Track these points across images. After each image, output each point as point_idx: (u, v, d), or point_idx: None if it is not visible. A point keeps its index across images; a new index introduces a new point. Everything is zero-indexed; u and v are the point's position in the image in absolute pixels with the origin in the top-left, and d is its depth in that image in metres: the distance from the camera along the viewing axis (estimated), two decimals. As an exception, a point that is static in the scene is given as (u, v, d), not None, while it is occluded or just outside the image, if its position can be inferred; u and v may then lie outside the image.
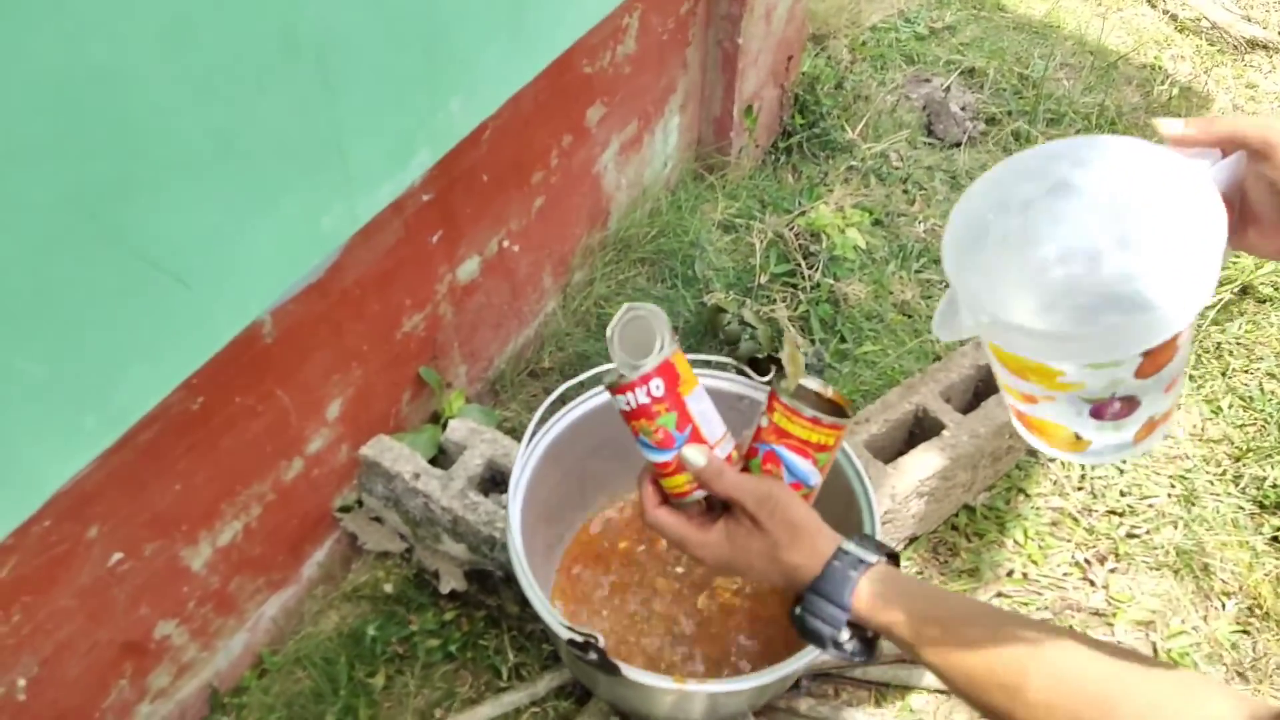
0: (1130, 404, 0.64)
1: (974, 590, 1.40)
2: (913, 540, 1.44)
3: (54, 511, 0.86)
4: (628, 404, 0.75)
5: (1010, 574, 1.42)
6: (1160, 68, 2.42)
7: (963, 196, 0.61)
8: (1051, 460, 1.53)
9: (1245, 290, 1.77)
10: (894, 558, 0.72)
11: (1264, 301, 1.77)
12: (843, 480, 1.05)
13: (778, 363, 1.47)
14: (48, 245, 0.69)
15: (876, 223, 1.85)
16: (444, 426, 1.32)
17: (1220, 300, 1.74)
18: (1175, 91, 2.31)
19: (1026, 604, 1.39)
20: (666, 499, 0.78)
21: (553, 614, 0.88)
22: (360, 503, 1.30)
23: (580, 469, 1.14)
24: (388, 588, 1.29)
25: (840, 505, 1.04)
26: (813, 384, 0.77)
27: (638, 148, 1.62)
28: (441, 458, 1.31)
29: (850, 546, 0.69)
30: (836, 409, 0.77)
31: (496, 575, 1.22)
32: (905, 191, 1.96)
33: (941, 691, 1.28)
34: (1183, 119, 0.56)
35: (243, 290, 0.93)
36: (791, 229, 1.61)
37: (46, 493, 0.78)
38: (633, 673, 0.87)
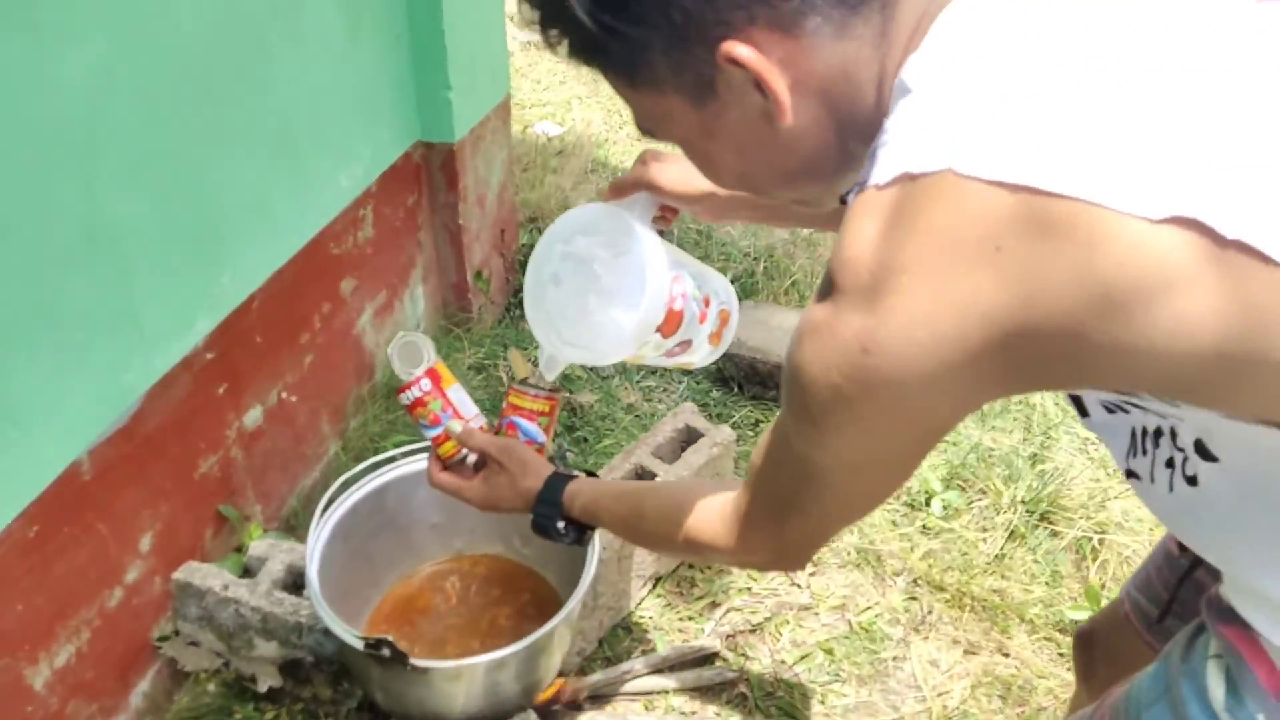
0: (685, 345, 1.05)
1: (715, 608, 1.74)
2: (658, 580, 1.77)
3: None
4: (408, 398, 1.10)
5: (739, 591, 1.78)
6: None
7: (530, 271, 1.02)
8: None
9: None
10: (592, 474, 1.07)
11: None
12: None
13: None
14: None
15: (603, 425, 2.28)
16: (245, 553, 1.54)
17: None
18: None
19: (754, 612, 1.75)
20: (444, 466, 1.11)
21: (346, 629, 1.14)
22: (177, 631, 1.48)
23: (367, 549, 1.41)
24: (209, 697, 1.46)
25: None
26: (534, 379, 1.13)
27: (390, 312, 1.98)
28: (246, 576, 1.52)
29: (560, 470, 1.04)
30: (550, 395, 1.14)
31: (308, 661, 1.43)
32: (647, 393, 2.41)
33: (695, 690, 1.59)
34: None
35: (64, 434, 1.19)
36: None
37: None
38: (420, 662, 1.13)
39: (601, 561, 1.53)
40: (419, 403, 1.12)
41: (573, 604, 1.22)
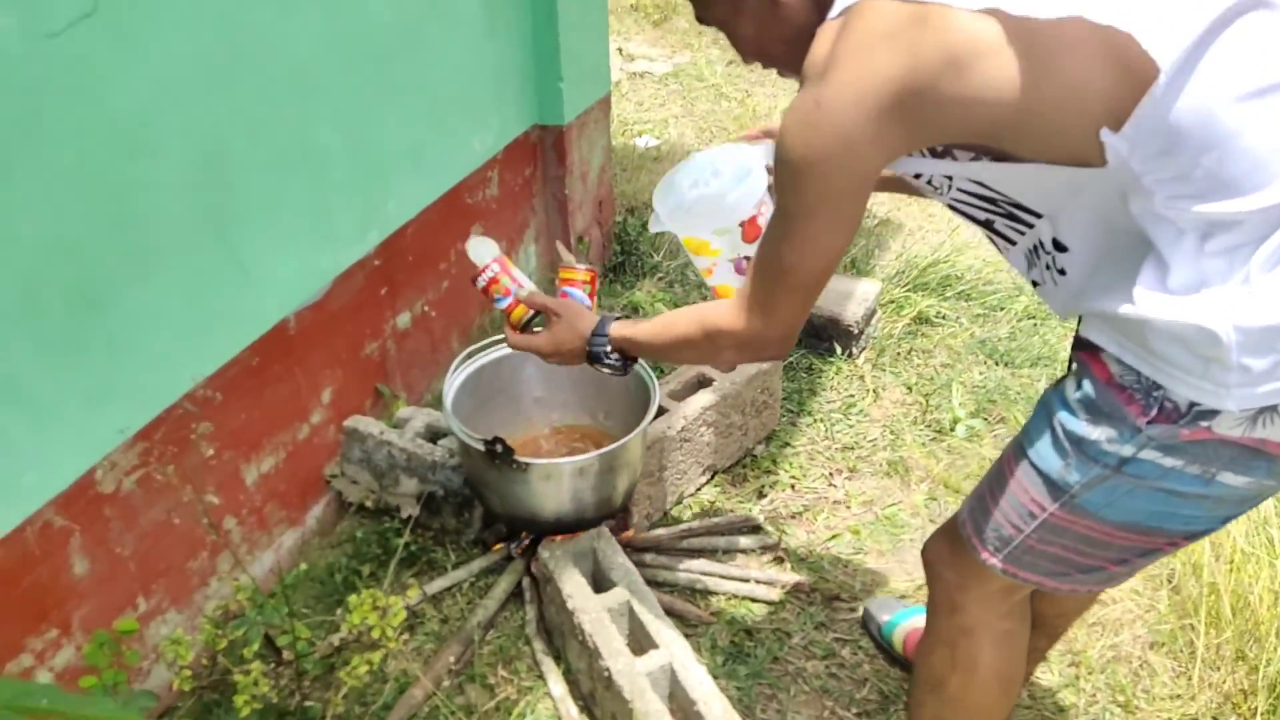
0: (749, 261, 1.44)
1: (762, 497, 2.10)
2: (715, 473, 2.15)
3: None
4: (483, 280, 1.50)
5: (784, 486, 2.14)
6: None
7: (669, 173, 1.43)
8: (807, 420, 2.30)
9: (920, 318, 2.66)
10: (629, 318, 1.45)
11: (929, 322, 2.66)
12: (647, 395, 1.78)
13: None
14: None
15: (674, 304, 2.69)
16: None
17: (904, 324, 2.62)
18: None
19: (795, 503, 2.10)
20: (517, 329, 1.50)
21: (465, 430, 1.57)
22: (343, 471, 1.94)
23: (485, 407, 1.84)
24: (363, 525, 1.92)
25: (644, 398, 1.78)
26: (580, 263, 1.54)
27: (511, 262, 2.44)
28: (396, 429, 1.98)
29: (607, 314, 1.41)
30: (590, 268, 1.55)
31: (439, 495, 1.87)
32: (700, 289, 2.82)
33: (741, 550, 1.95)
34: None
35: (280, 293, 1.67)
36: (622, 311, 2.43)
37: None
38: (523, 458, 1.55)
39: (667, 439, 1.92)
40: (494, 281, 1.50)
41: (641, 427, 1.62)
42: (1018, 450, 1.08)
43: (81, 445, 1.36)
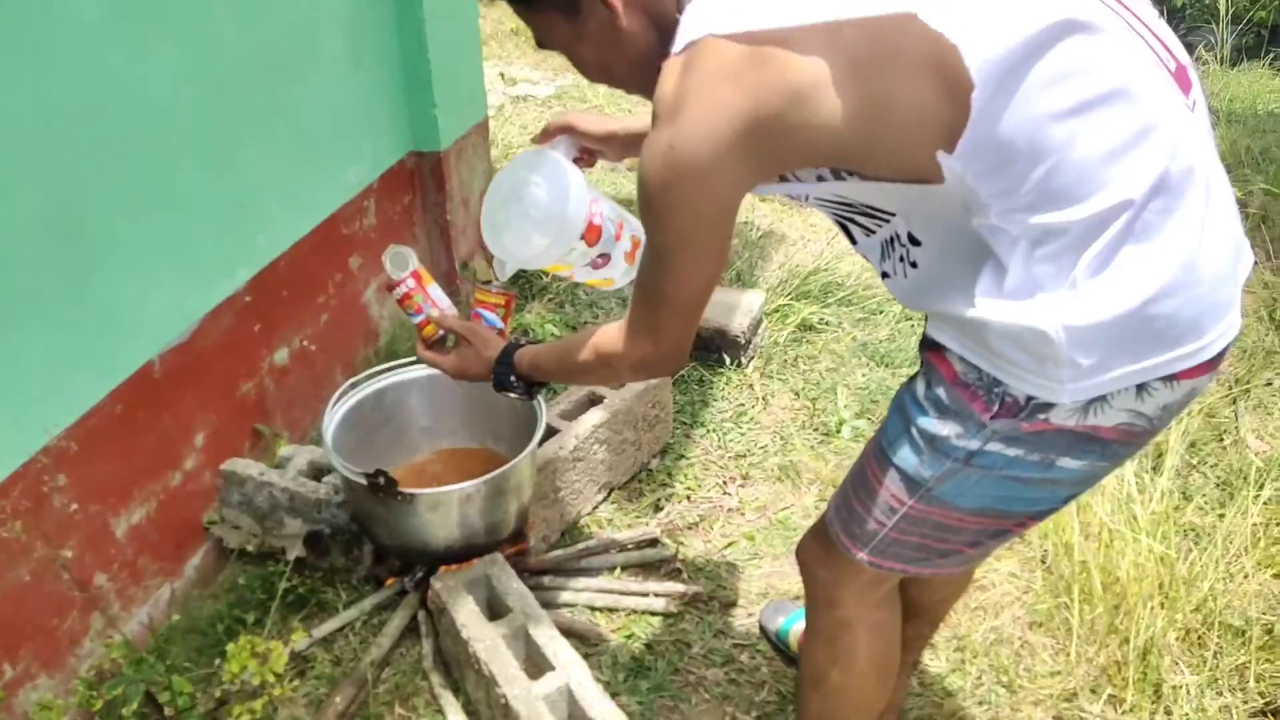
0: (605, 259, 1.45)
1: (658, 510, 2.12)
2: (611, 489, 2.16)
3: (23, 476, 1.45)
4: (399, 293, 1.48)
5: (679, 499, 2.16)
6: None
7: (485, 202, 1.42)
8: (700, 431, 2.33)
9: (805, 325, 2.74)
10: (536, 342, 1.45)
11: (813, 329, 2.74)
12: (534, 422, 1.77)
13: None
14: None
15: (570, 326, 2.70)
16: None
17: (789, 332, 2.69)
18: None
19: (691, 514, 2.12)
20: (428, 345, 1.48)
21: (347, 465, 1.54)
22: (222, 517, 1.88)
23: (369, 439, 1.81)
24: (246, 571, 1.85)
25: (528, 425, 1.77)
26: (494, 282, 1.52)
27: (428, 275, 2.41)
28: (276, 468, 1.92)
29: (513, 342, 1.40)
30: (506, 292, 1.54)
31: (326, 534, 1.82)
32: (591, 308, 2.84)
33: (639, 566, 1.96)
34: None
35: (143, 336, 1.62)
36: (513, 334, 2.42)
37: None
38: (407, 490, 1.53)
39: (560, 459, 1.93)
40: (407, 296, 1.51)
41: (528, 450, 1.62)
42: (876, 450, 1.12)
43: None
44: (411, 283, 1.51)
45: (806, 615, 1.30)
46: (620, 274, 1.51)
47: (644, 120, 1.26)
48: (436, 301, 1.52)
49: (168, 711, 1.45)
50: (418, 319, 1.52)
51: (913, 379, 1.10)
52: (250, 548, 1.85)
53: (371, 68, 2.18)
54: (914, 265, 1.05)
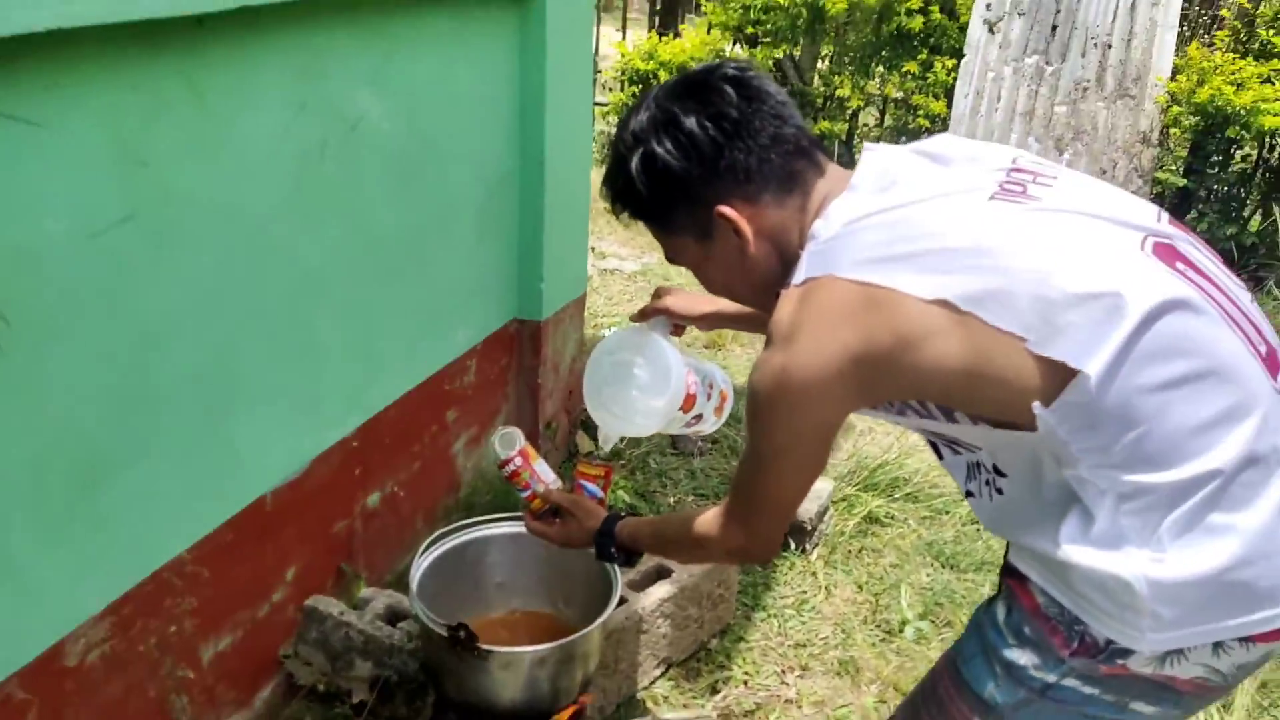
0: (698, 418, 1.55)
1: (715, 693, 2.12)
2: (670, 665, 2.17)
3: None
4: (508, 471, 1.58)
5: (737, 682, 2.17)
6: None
7: (587, 379, 1.56)
8: (761, 615, 2.35)
9: (870, 517, 2.77)
10: (635, 513, 1.53)
11: (879, 522, 2.77)
12: (609, 585, 1.84)
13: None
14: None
15: (639, 494, 2.78)
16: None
17: (855, 523, 2.73)
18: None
19: (748, 700, 2.12)
20: (535, 517, 1.57)
21: (430, 615, 1.61)
22: (297, 651, 1.94)
23: (450, 589, 1.88)
24: (311, 710, 1.90)
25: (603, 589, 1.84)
26: (596, 454, 1.63)
27: (478, 444, 2.54)
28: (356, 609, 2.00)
29: (614, 513, 1.48)
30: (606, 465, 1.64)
31: (393, 680, 1.87)
32: (659, 478, 2.92)
33: None
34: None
35: (263, 472, 1.74)
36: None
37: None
38: (486, 646, 1.59)
39: (625, 630, 1.97)
40: (515, 474, 1.58)
41: (602, 618, 1.68)
42: (950, 666, 1.16)
43: (54, 619, 1.38)
44: (519, 461, 1.59)
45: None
46: (710, 425, 1.61)
47: (734, 305, 1.43)
48: (542, 477, 1.60)
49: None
50: (525, 494, 1.59)
51: (992, 601, 1.15)
52: (320, 686, 1.91)
53: (492, 243, 2.40)
54: (1000, 492, 1.12)
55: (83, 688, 1.45)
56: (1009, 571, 1.12)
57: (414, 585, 1.72)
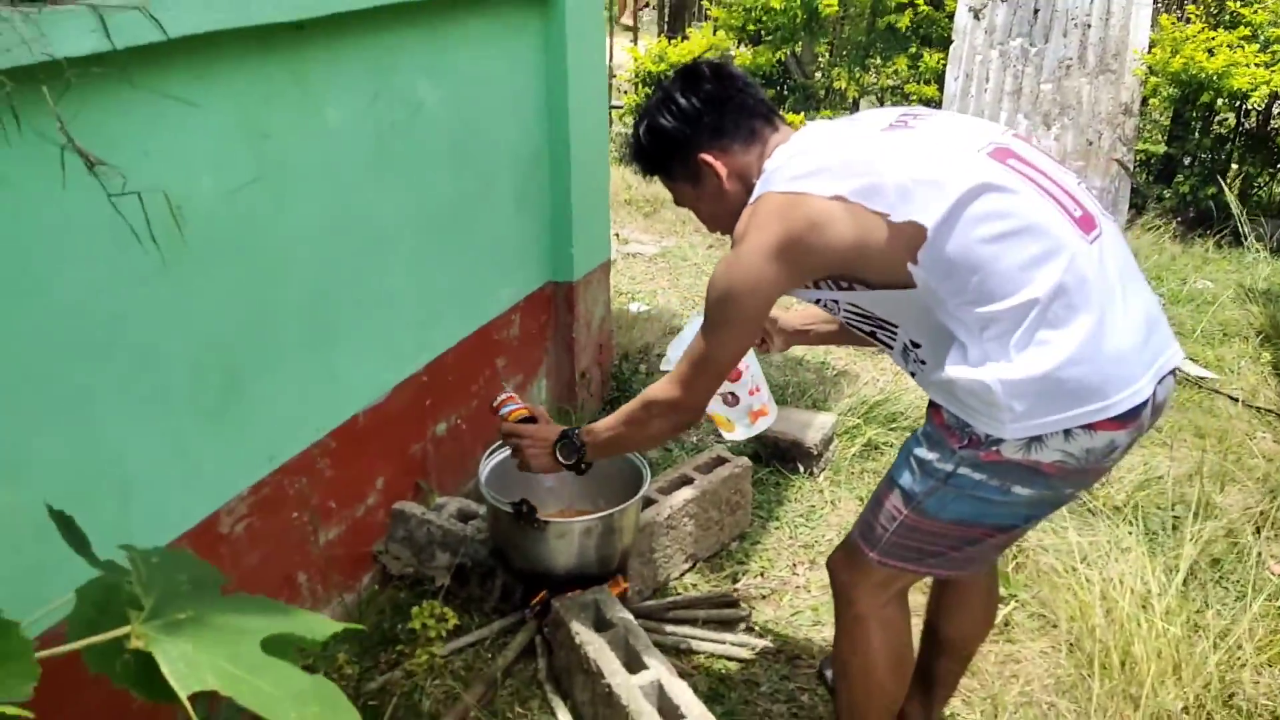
0: (734, 399, 1.94)
1: (735, 581, 2.50)
2: (696, 561, 2.55)
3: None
4: (500, 398, 1.97)
5: (754, 574, 2.54)
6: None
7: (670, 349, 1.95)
8: (775, 524, 2.72)
9: (871, 444, 3.14)
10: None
11: (878, 448, 3.14)
12: (640, 480, 2.22)
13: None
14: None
15: (665, 433, 3.16)
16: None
17: (856, 450, 3.10)
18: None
19: (764, 587, 2.49)
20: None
21: (497, 496, 2.00)
22: (387, 549, 2.34)
23: (507, 492, 2.27)
24: (402, 592, 2.30)
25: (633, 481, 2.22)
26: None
27: (525, 391, 2.94)
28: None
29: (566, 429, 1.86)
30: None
31: (467, 566, 2.26)
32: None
33: (718, 621, 2.33)
34: None
35: (356, 393, 2.15)
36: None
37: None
38: (543, 517, 1.98)
39: (656, 524, 2.35)
40: (507, 399, 1.96)
41: (637, 497, 2.06)
42: (886, 477, 1.54)
43: (212, 492, 1.79)
44: (510, 391, 1.99)
45: (835, 618, 1.68)
46: (742, 430, 1.97)
47: (823, 322, 1.87)
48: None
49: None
50: (510, 408, 1.95)
51: (912, 434, 1.53)
52: (409, 571, 2.31)
53: (528, 213, 2.80)
54: (922, 362, 1.50)
55: (233, 552, 1.86)
56: (930, 405, 1.50)
57: (483, 477, 2.11)
